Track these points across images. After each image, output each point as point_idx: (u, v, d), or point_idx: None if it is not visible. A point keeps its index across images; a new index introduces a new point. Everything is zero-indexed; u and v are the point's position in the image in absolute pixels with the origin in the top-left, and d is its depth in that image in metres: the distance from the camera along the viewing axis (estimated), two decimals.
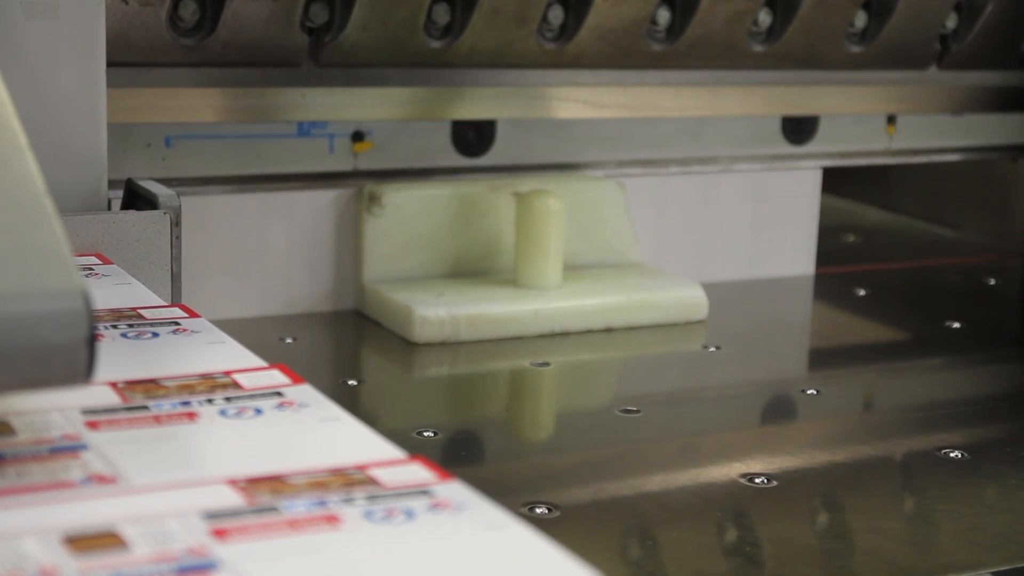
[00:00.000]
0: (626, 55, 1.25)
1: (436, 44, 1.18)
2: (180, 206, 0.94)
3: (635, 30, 1.24)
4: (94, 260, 0.90)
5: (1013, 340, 1.23)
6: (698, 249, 1.32)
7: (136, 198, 0.97)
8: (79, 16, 0.91)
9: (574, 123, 1.27)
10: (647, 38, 1.26)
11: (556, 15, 1.22)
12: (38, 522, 0.51)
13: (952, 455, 0.91)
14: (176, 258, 0.94)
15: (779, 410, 1.03)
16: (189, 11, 1.10)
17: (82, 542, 0.50)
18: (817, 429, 0.98)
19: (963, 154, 1.46)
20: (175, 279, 0.94)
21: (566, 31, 1.22)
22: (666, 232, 1.31)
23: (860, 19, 1.34)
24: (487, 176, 1.21)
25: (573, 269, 1.19)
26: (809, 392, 1.02)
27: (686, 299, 1.18)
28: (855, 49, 1.35)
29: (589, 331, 1.14)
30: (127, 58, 1.08)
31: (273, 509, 0.53)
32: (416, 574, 0.50)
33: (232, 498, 0.54)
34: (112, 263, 0.90)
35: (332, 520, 0.53)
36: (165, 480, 0.56)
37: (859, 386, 1.08)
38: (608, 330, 1.14)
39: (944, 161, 1.45)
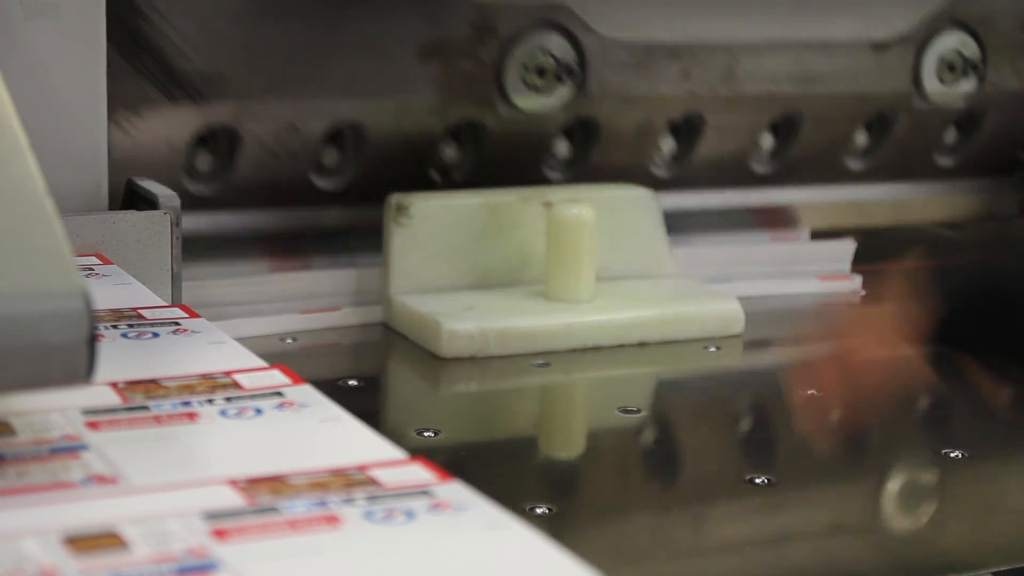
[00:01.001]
0: (732, 178, 1.31)
1: (556, 175, 1.24)
2: (180, 206, 0.94)
3: (742, 157, 1.31)
4: (94, 260, 0.90)
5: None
6: (691, 247, 1.32)
7: (136, 198, 0.97)
8: (79, 16, 0.91)
9: None
10: (752, 162, 1.32)
11: (668, 145, 1.28)
12: (38, 522, 0.51)
13: (952, 455, 0.90)
14: (176, 258, 0.94)
15: (779, 409, 1.02)
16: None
17: (82, 542, 0.50)
18: (817, 429, 0.98)
19: None
20: (175, 279, 0.94)
21: (679, 158, 1.29)
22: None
23: (951, 134, 1.41)
24: (517, 187, 1.17)
25: (605, 281, 1.14)
26: (809, 392, 1.02)
27: (722, 313, 1.12)
28: (945, 161, 1.41)
29: (622, 345, 1.09)
30: None
31: (273, 509, 0.53)
32: (416, 574, 0.50)
33: (232, 498, 0.54)
34: (112, 263, 0.90)
35: (332, 520, 0.53)
36: (165, 480, 0.56)
37: (859, 386, 1.08)
38: (641, 344, 1.09)
39: None
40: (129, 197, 0.98)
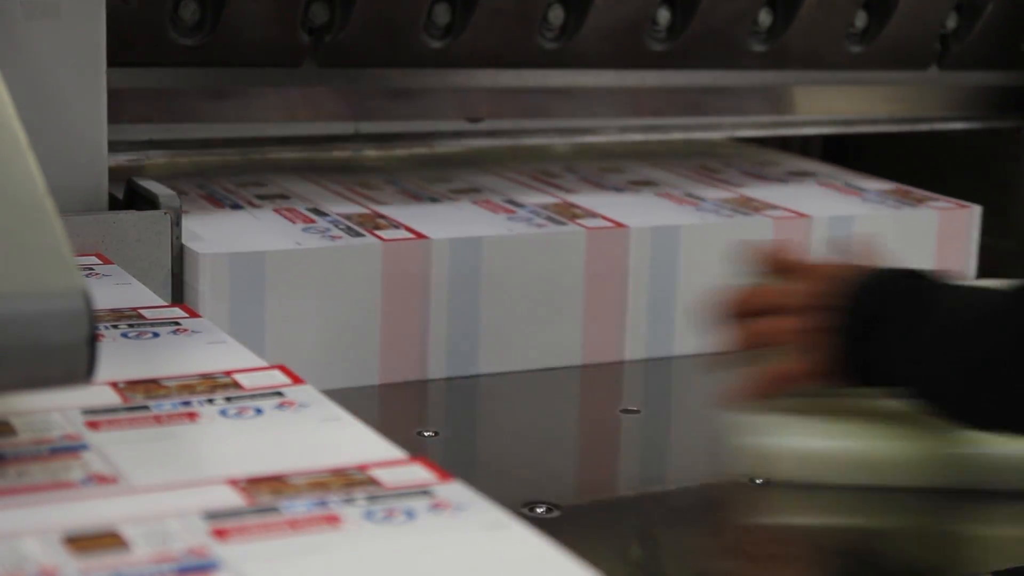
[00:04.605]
0: (626, 55, 1.25)
1: (437, 44, 1.18)
2: (180, 206, 0.94)
3: (635, 30, 1.24)
4: (94, 260, 0.90)
5: None
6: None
7: (136, 198, 0.97)
8: (79, 16, 0.91)
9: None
10: (647, 38, 1.26)
11: (556, 15, 1.22)
12: (38, 522, 0.51)
13: None
14: (176, 258, 0.94)
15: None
16: (189, 11, 1.10)
17: (82, 542, 0.50)
18: None
19: (967, 122, 1.46)
20: (175, 279, 0.94)
21: (566, 31, 1.23)
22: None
23: (860, 19, 1.35)
24: None
25: None
26: None
27: None
28: (855, 49, 1.35)
29: None
30: (128, 59, 1.08)
31: (273, 509, 0.53)
32: (416, 574, 0.50)
33: (232, 498, 0.54)
34: (112, 263, 0.90)
35: (333, 520, 0.53)
36: (165, 480, 0.56)
37: None
38: None
39: (947, 129, 1.45)
40: (129, 197, 0.98)
